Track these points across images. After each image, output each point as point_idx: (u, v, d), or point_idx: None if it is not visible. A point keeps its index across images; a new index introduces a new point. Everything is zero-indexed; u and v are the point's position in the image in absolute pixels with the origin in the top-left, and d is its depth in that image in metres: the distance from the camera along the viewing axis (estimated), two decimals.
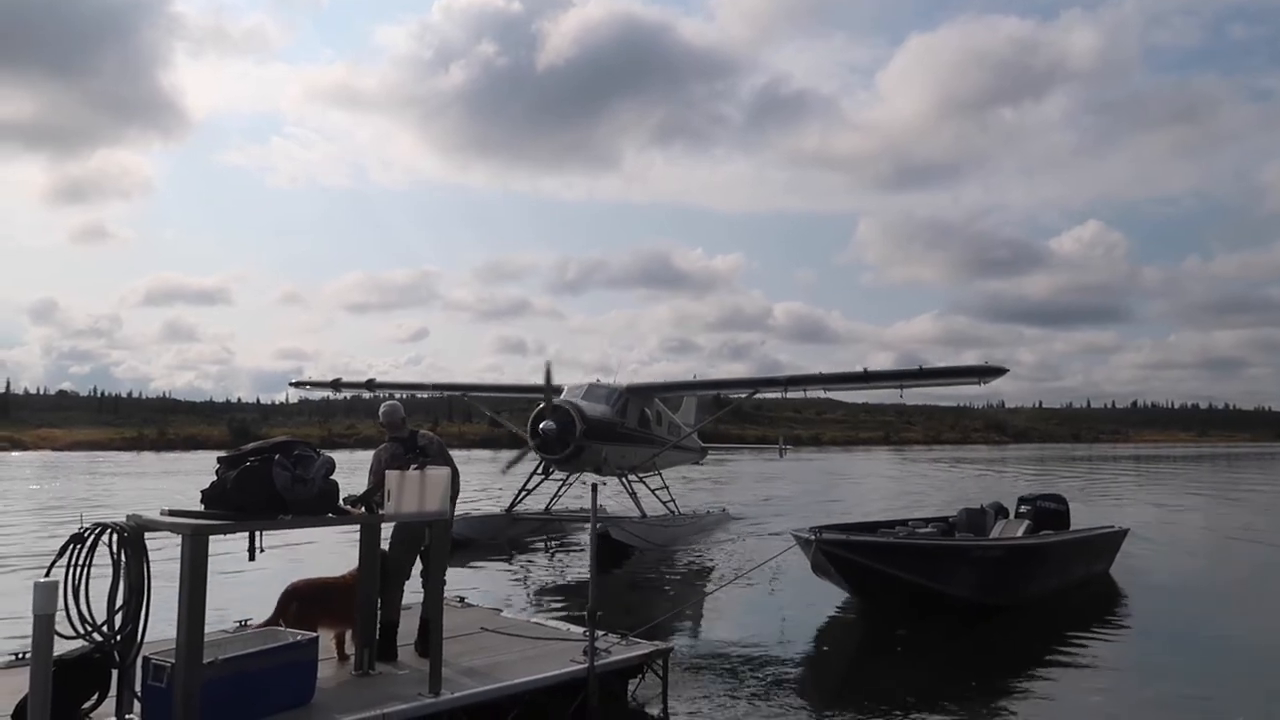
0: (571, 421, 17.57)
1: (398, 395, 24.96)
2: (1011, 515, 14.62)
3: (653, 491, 20.75)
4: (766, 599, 12.79)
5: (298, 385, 25.42)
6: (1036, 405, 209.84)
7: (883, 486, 40.04)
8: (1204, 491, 37.81)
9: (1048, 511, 14.51)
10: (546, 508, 20.50)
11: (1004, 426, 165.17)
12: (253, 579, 10.07)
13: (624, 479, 19.68)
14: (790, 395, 21.11)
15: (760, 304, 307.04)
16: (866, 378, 18.61)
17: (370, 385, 22.97)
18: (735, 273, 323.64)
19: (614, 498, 21.55)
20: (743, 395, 22.05)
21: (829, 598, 12.21)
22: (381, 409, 8.46)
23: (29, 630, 4.94)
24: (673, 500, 21.14)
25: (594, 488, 8.46)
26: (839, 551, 11.24)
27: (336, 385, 23.38)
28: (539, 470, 19.52)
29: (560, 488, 20.85)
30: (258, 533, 6.07)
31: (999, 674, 9.04)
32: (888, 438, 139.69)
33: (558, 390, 19.16)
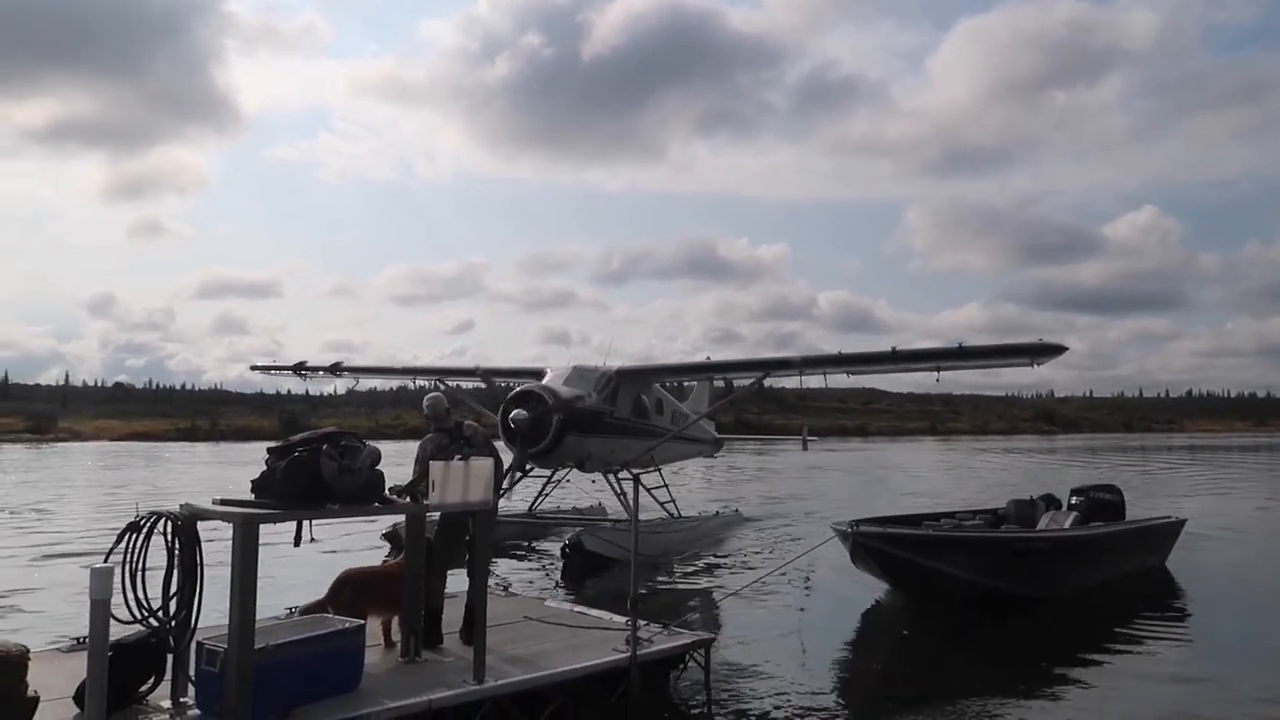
0: (547, 410, 15.31)
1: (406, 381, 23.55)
2: (1065, 506, 14.35)
3: (649, 491, 17.24)
4: (807, 590, 12.72)
5: (259, 369, 23.32)
6: (1087, 394, 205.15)
7: (929, 479, 39.57)
8: (1264, 481, 36.75)
9: (1101, 502, 14.21)
10: (530, 508, 18.31)
11: (1054, 416, 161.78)
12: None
13: (611, 477, 17.20)
14: (808, 380, 18.16)
15: (805, 293, 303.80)
16: (895, 358, 15.87)
17: (335, 369, 21.40)
18: (780, 262, 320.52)
19: (606, 495, 18.75)
20: (754, 379, 18.90)
21: (869, 590, 12.12)
22: (425, 400, 8.60)
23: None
24: (672, 501, 18.51)
25: (635, 480, 8.47)
26: (875, 544, 11.15)
27: (299, 369, 21.62)
28: (515, 465, 16.75)
29: (545, 485, 18.67)
30: (306, 521, 6.20)
31: (1042, 667, 8.89)
32: (934, 428, 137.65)
33: (538, 375, 17.33)
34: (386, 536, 15.08)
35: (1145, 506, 18.65)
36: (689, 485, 30.31)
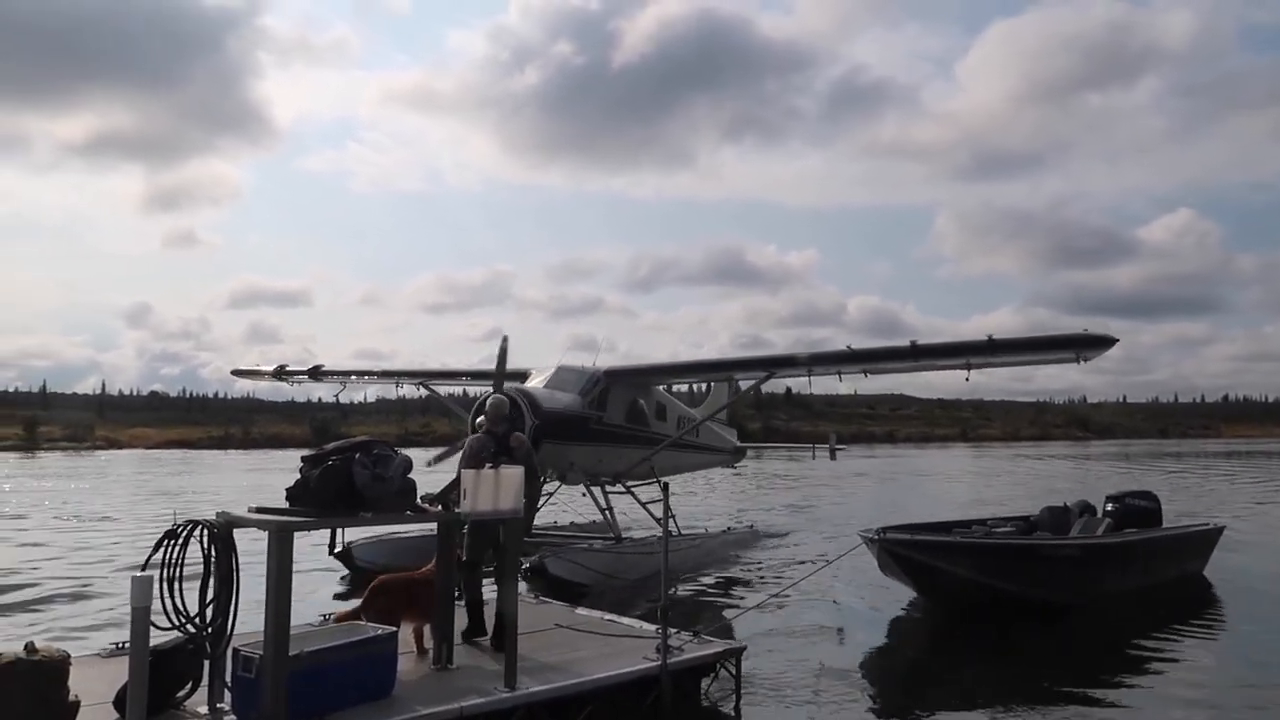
0: (519, 415, 13.53)
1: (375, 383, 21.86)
2: (1100, 513, 14.16)
3: (643, 505, 16.02)
4: (836, 598, 12.62)
5: (239, 374, 22.46)
6: (1121, 400, 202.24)
7: (962, 486, 39.18)
8: None
9: (1137, 509, 13.98)
10: None
11: (1087, 422, 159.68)
12: None
13: (596, 489, 15.68)
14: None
15: (834, 299, 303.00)
16: (914, 353, 14.20)
17: (315, 372, 20.33)
18: (809, 268, 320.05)
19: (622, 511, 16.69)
20: (757, 378, 16.99)
21: (898, 597, 12.03)
22: (489, 402, 9.15)
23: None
24: (672, 516, 16.86)
25: (664, 487, 8.49)
26: (902, 551, 11.08)
27: (279, 373, 20.79)
28: None
29: None
30: (339, 529, 6.29)
31: (1074, 676, 8.73)
32: (964, 434, 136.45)
33: (521, 376, 15.87)
34: (339, 556, 13.40)
35: (1182, 513, 18.33)
36: (712, 496, 30.28)
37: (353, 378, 21.00)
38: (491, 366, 17.98)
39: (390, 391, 25.15)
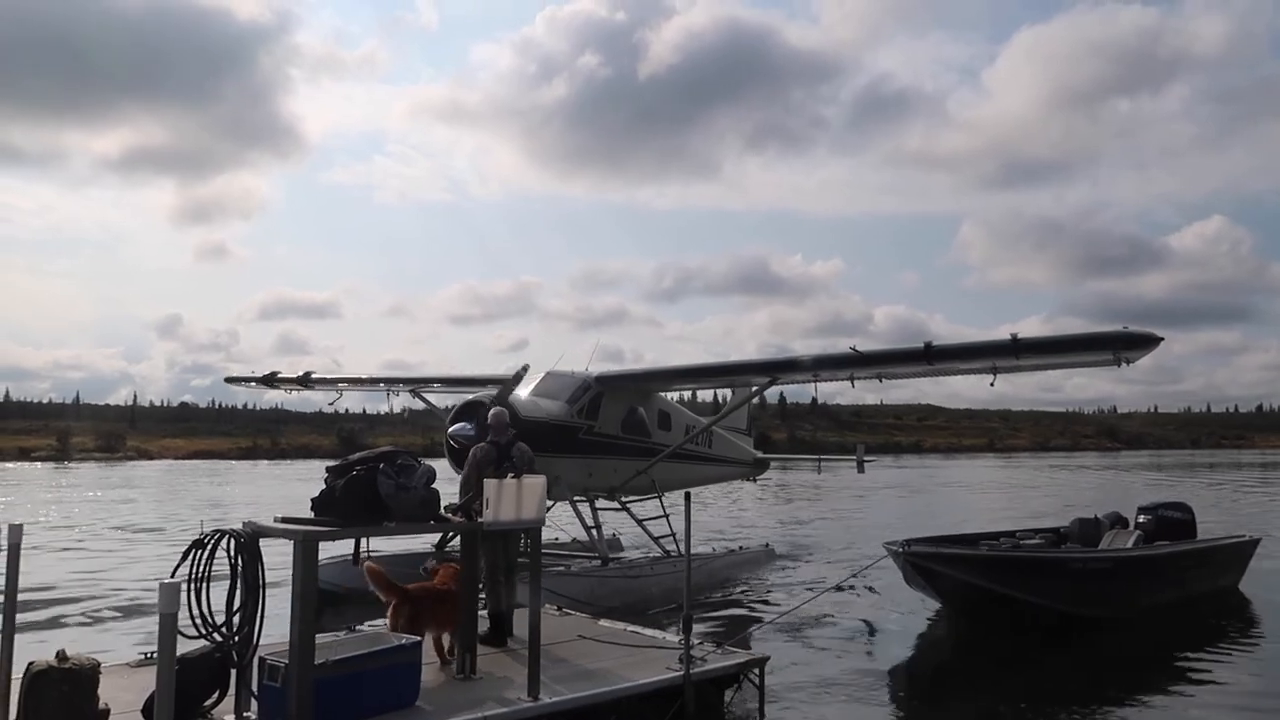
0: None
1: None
2: (1131, 525, 13.95)
3: (639, 522, 15.12)
4: (862, 609, 12.53)
5: (232, 381, 21.99)
6: (1151, 410, 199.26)
7: (991, 497, 38.75)
8: None
9: (1170, 521, 13.77)
10: None
11: (1116, 432, 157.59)
12: None
13: (583, 504, 14.51)
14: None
15: (860, 309, 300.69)
16: (929, 355, 12.79)
17: (306, 379, 19.78)
18: (834, 277, 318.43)
19: (619, 524, 16.26)
20: (759, 384, 15.93)
21: (924, 608, 11.92)
22: (491, 413, 9.06)
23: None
24: (671, 535, 14.83)
25: (686, 496, 8.44)
26: (926, 563, 10.99)
27: (270, 380, 20.26)
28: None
29: None
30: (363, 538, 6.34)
31: (1103, 692, 8.61)
32: (992, 444, 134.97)
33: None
34: None
35: (1217, 525, 18.00)
36: (734, 509, 30.14)
37: (344, 385, 20.51)
38: (477, 372, 18.24)
39: (417, 401, 24.38)
